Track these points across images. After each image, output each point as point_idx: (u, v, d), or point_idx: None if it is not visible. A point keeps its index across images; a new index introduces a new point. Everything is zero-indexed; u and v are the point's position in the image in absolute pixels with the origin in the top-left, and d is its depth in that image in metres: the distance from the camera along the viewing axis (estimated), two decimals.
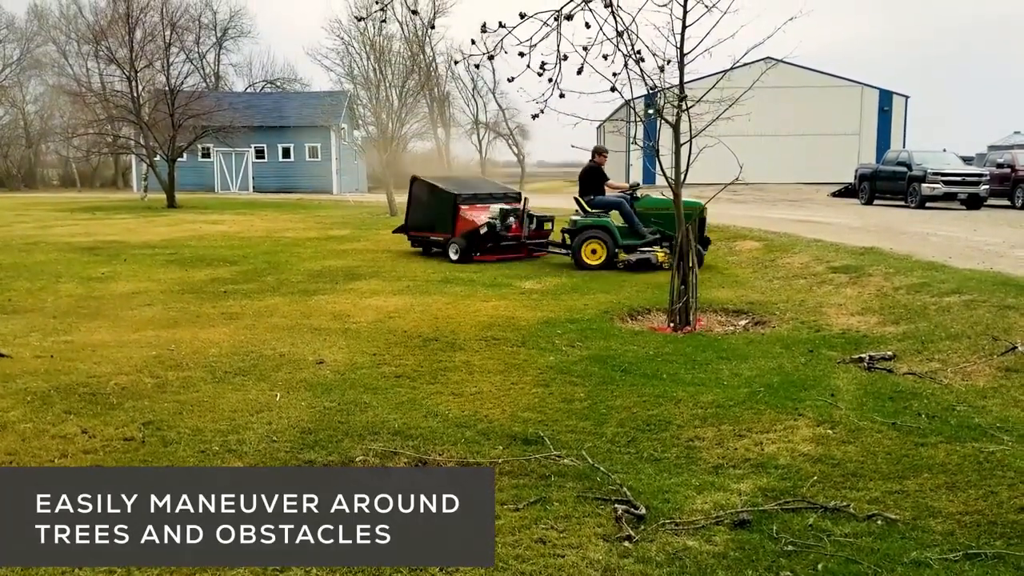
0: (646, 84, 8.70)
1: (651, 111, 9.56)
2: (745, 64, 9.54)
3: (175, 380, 7.01)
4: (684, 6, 8.61)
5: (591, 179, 14.58)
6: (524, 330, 9.00)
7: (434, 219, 16.03)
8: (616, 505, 4.35)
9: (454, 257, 15.05)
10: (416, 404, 6.43)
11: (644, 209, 14.17)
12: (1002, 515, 4.18)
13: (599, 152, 14.58)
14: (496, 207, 15.23)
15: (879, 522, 4.15)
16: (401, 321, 9.58)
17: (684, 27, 8.76)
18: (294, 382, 7.00)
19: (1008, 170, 27.13)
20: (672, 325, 9.37)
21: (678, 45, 8.95)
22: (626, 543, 4.00)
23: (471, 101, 60.96)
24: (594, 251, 13.90)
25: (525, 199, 15.72)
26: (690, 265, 9.40)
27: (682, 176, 9.44)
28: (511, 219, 15.05)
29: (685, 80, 9.17)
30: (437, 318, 9.72)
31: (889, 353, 7.41)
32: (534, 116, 5.93)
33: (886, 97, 48.22)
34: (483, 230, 14.87)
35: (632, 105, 9.46)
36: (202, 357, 7.79)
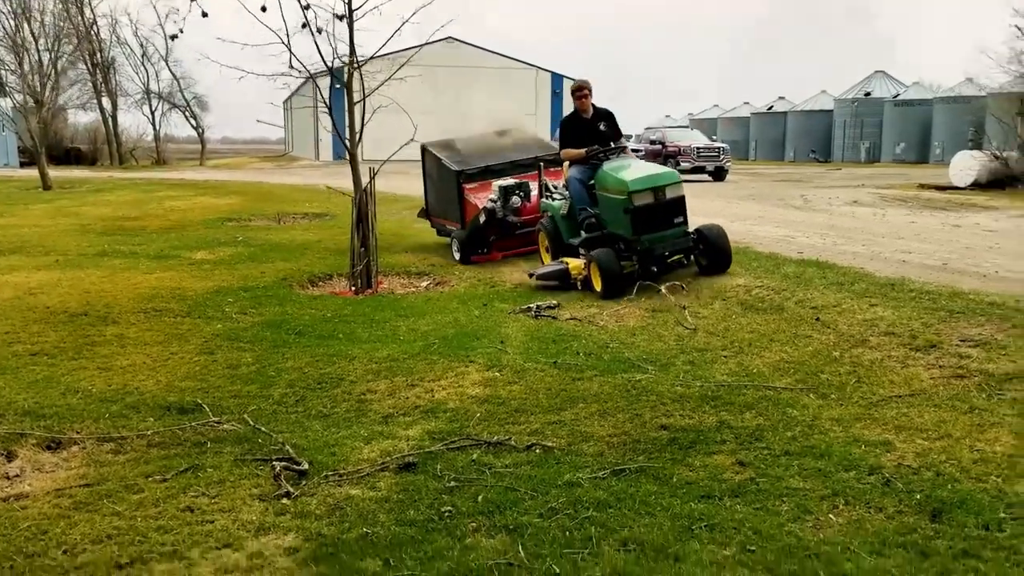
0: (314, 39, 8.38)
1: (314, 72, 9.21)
2: (427, 43, 9.59)
3: None
4: None
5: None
6: (191, 300, 8.31)
7: (446, 203, 11.73)
8: (275, 463, 4.07)
9: (456, 256, 11.02)
10: (53, 382, 5.66)
11: (598, 188, 8.66)
12: (645, 433, 4.49)
13: (573, 92, 9.44)
14: (497, 184, 10.63)
15: (537, 451, 4.27)
16: (45, 297, 8.44)
17: None
18: None
19: (659, 146, 30.28)
20: (353, 289, 9.19)
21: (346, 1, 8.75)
22: (284, 500, 3.75)
23: (140, 68, 56.17)
24: (547, 248, 9.65)
25: (540, 166, 10.28)
26: (370, 227, 9.26)
27: (357, 136, 9.27)
28: (516, 198, 10.42)
29: (364, 46, 9.00)
30: (89, 292, 8.69)
31: (554, 303, 7.80)
32: (172, 37, 5.38)
33: (558, 80, 51.60)
34: (482, 218, 10.53)
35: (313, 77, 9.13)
36: None
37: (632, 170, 8.38)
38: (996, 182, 19.85)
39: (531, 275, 9.00)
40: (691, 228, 8.29)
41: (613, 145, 8.80)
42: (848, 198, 18.73)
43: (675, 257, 8.25)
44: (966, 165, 20.66)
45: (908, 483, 3.67)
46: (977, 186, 19.89)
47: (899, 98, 43.13)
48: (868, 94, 44.91)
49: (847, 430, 4.35)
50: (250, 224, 15.65)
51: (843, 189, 21.92)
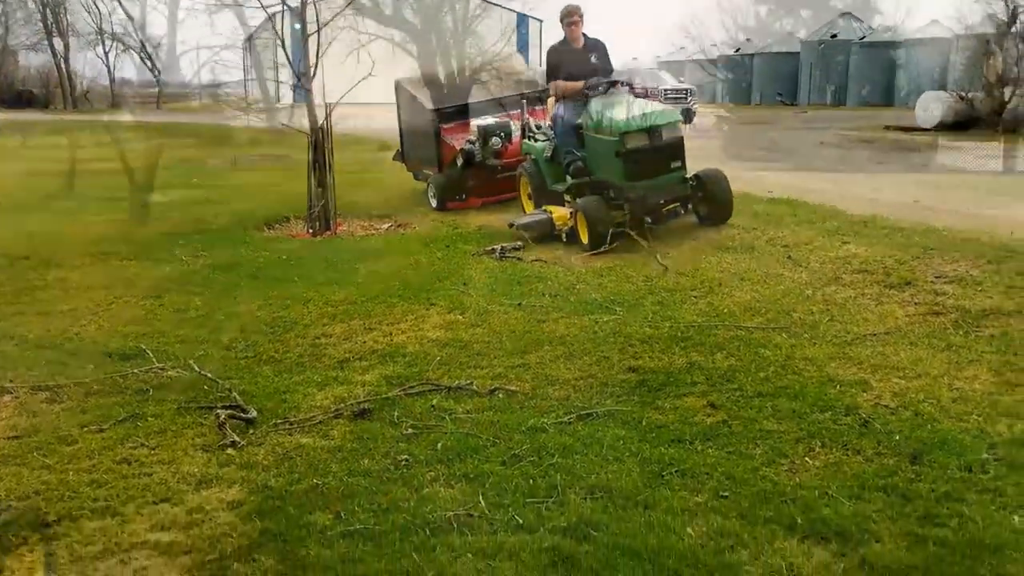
0: None
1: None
2: None
3: None
4: None
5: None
6: (140, 243, 7.97)
7: (422, 145, 10.71)
8: (219, 411, 3.82)
9: (433, 203, 10.06)
10: None
11: (586, 128, 7.69)
12: (613, 376, 4.30)
13: (562, 19, 8.11)
14: (476, 124, 9.75)
15: (500, 395, 4.07)
16: None
17: None
18: None
19: (627, 87, 29.89)
20: (311, 231, 8.85)
21: None
22: (230, 450, 3.51)
23: (93, 8, 54.06)
24: (530, 195, 8.70)
25: (523, 104, 9.46)
26: (327, 167, 8.88)
27: (311, 71, 8.85)
28: (496, 139, 9.43)
29: None
30: (32, 235, 8.30)
31: (519, 244, 7.54)
32: None
33: (522, 20, 50.58)
34: (459, 161, 9.64)
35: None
36: None
37: (624, 108, 7.43)
38: (961, 123, 19.81)
39: (511, 226, 7.95)
40: (689, 174, 7.42)
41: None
42: (815, 139, 18.61)
43: (671, 206, 7.29)
44: (932, 106, 20.58)
45: (886, 424, 3.52)
46: (943, 127, 19.84)
47: (865, 40, 42.91)
48: (835, 36, 44.63)
49: (821, 369, 4.19)
50: (205, 165, 15.13)
51: (810, 131, 21.79)
